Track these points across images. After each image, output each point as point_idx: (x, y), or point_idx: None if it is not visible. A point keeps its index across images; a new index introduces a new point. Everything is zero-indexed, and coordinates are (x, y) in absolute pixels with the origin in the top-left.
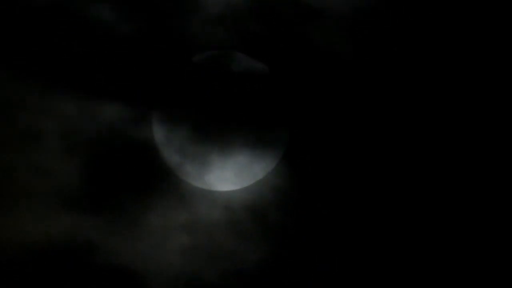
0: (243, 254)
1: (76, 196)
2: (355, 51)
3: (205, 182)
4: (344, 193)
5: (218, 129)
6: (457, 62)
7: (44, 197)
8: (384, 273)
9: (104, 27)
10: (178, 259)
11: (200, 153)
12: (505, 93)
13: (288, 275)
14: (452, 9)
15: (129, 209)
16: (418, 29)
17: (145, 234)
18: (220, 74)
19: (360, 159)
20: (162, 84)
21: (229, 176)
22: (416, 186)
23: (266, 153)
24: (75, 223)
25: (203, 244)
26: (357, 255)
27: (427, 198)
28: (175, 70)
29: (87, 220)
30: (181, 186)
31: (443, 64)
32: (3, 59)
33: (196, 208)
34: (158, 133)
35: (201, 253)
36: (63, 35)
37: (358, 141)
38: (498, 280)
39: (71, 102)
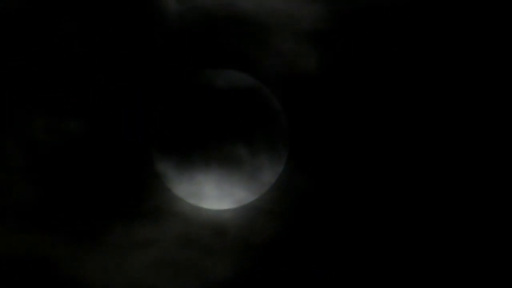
0: (208, 270)
1: (35, 212)
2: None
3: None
4: (322, 213)
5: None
6: (437, 68)
7: (2, 213)
8: None
9: (70, 42)
10: (140, 275)
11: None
12: (492, 93)
13: None
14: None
15: (91, 225)
16: (389, 38)
17: (107, 250)
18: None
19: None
20: (128, 101)
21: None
22: (405, 198)
23: (258, 177)
24: (34, 240)
25: (167, 260)
26: (329, 273)
27: (413, 210)
28: (136, 86)
29: (48, 236)
30: (149, 201)
31: (425, 69)
32: None
33: (164, 222)
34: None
35: (164, 269)
36: (29, 49)
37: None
38: (498, 280)
39: (33, 117)
